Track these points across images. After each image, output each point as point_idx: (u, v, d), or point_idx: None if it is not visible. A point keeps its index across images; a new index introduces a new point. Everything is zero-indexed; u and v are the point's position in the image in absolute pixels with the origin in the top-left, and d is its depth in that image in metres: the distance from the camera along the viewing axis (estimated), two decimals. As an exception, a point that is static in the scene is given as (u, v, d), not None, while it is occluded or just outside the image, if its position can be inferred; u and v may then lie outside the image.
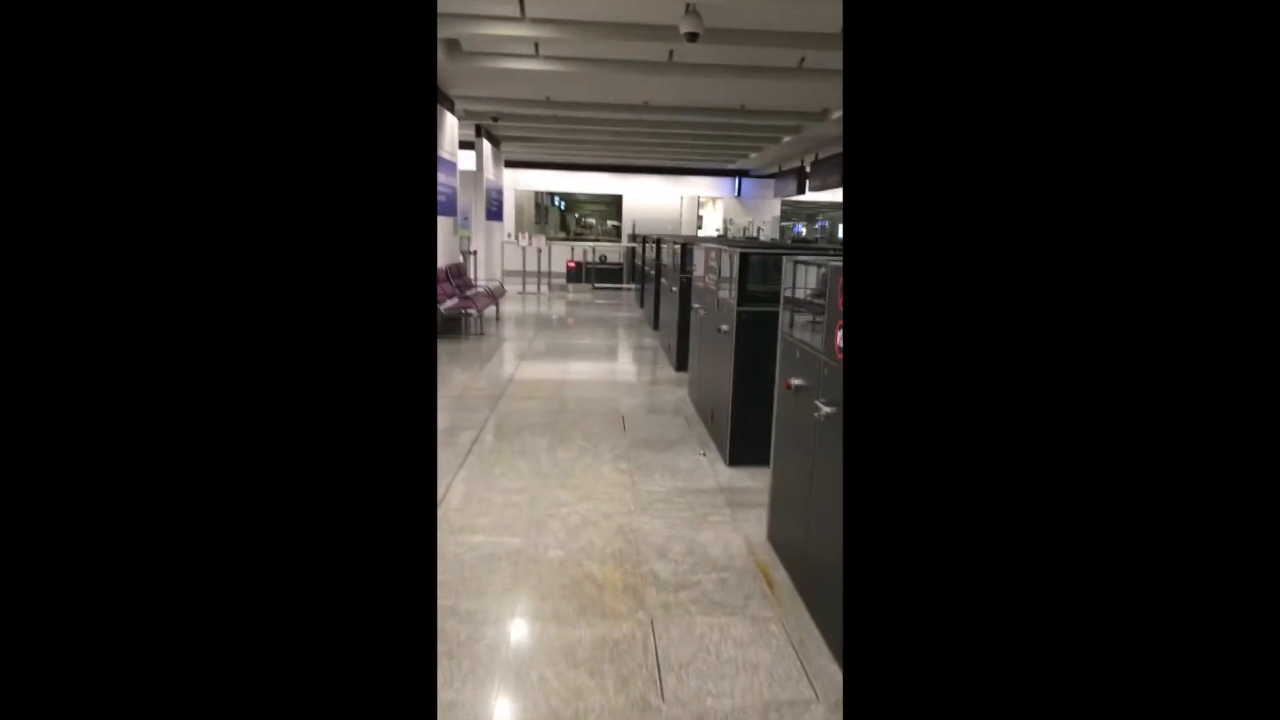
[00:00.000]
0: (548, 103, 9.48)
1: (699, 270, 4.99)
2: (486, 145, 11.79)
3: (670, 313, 6.79)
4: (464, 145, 12.02)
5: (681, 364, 6.23)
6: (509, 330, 8.74)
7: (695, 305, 5.04)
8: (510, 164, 16.01)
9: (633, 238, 15.06)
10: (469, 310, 7.97)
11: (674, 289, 6.48)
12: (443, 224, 8.84)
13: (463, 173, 11.40)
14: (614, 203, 18.65)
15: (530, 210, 18.82)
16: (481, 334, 8.19)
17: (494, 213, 12.78)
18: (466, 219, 11.70)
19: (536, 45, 6.75)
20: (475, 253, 11.45)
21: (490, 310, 9.56)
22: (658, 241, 8.70)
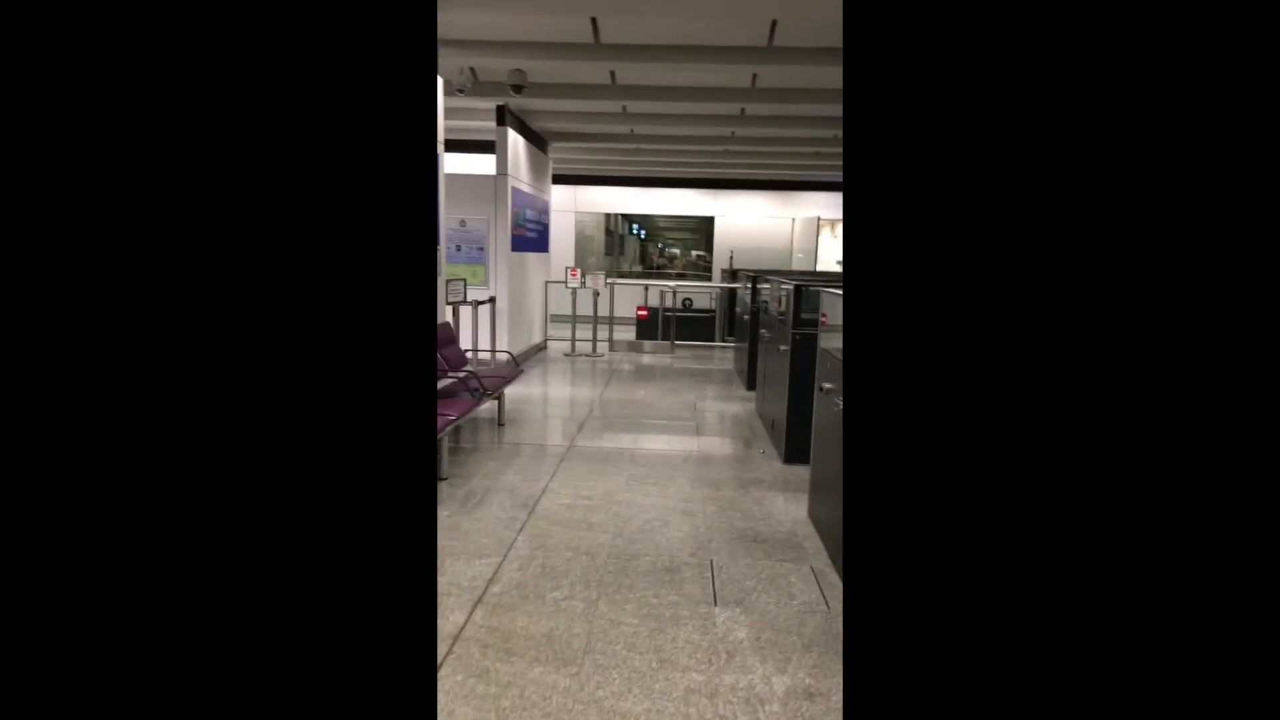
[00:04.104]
0: (596, 46, 5.40)
1: None
2: (514, 138, 7.80)
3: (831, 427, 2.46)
4: (480, 147, 8.06)
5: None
6: (502, 464, 4.59)
7: None
8: (563, 179, 12.09)
9: (731, 274, 10.73)
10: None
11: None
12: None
13: (472, 178, 7.47)
14: (702, 228, 14.46)
15: (600, 238, 14.84)
16: (443, 479, 4.07)
17: (531, 241, 8.78)
18: (482, 249, 7.73)
19: None
20: (493, 300, 7.46)
21: (488, 408, 5.45)
22: (797, 289, 4.42)
